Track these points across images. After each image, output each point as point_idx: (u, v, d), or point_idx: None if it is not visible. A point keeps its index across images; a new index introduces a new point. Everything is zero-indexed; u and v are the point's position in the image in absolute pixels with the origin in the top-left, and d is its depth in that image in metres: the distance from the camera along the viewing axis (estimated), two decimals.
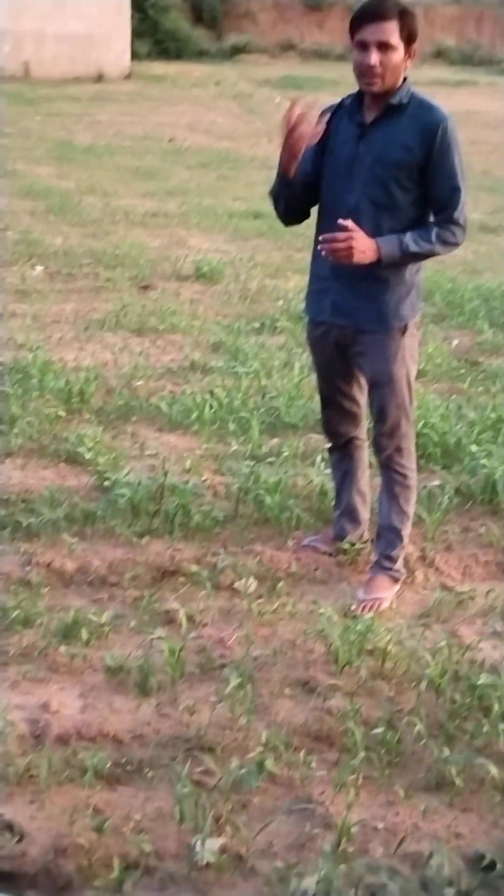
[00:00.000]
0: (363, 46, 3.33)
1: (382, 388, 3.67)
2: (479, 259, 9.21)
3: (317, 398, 4.06)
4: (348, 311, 3.62)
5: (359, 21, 3.35)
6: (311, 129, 3.35)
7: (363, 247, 3.34)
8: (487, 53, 34.93)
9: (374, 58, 3.32)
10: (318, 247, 3.45)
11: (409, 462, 3.81)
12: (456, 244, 3.50)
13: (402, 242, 3.39)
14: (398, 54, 3.34)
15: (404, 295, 3.58)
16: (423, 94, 3.50)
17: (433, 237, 3.43)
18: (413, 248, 3.41)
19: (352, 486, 4.05)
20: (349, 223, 3.31)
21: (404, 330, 3.61)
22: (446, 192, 3.43)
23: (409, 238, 3.40)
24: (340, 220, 3.32)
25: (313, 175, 3.56)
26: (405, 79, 3.45)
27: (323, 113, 3.56)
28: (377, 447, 3.82)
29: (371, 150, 3.42)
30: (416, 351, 3.75)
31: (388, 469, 3.81)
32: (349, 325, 3.64)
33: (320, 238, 3.42)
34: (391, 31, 3.30)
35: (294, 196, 3.62)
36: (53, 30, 25.03)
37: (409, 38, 3.36)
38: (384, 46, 3.31)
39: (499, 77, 30.16)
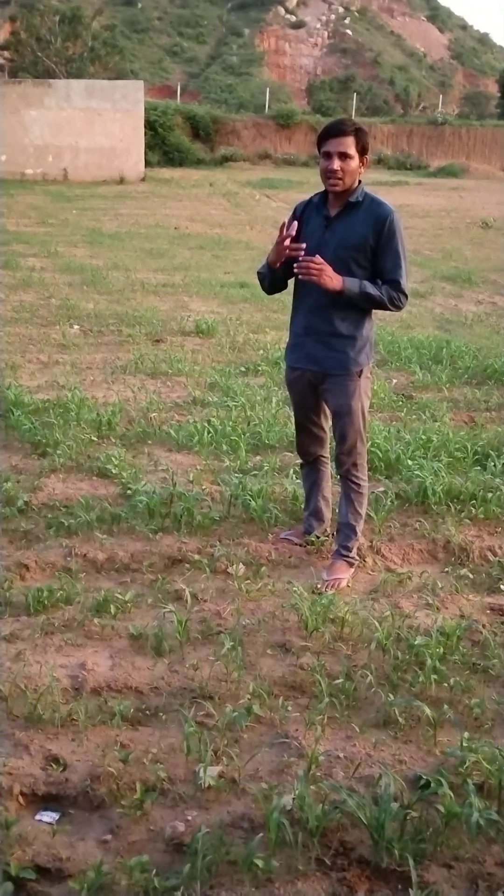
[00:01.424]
0: (328, 156, 3.39)
1: (343, 417, 3.68)
2: (413, 318, 9.24)
3: (290, 425, 4.06)
4: (318, 360, 3.64)
5: (324, 136, 3.41)
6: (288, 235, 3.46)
7: (331, 274, 3.38)
8: (416, 160, 35.12)
9: (336, 164, 3.37)
10: (295, 267, 3.43)
11: (363, 474, 3.82)
12: (398, 306, 3.51)
13: (361, 283, 3.42)
14: (354, 161, 3.40)
15: (361, 348, 3.60)
16: (374, 192, 3.54)
17: (383, 290, 3.46)
18: (369, 289, 3.43)
19: (318, 493, 4.05)
20: (318, 258, 3.35)
21: (360, 373, 3.62)
22: (392, 266, 3.46)
23: (366, 283, 3.44)
24: (316, 258, 3.36)
25: (290, 258, 3.59)
26: (360, 182, 3.49)
27: (295, 209, 3.65)
28: (338, 463, 3.82)
29: (335, 237, 3.46)
30: (369, 390, 3.77)
31: (346, 480, 3.81)
32: (319, 370, 3.66)
33: (296, 263, 3.40)
34: (349, 144, 3.36)
35: (276, 277, 3.68)
36: (85, 144, 25.11)
37: (362, 149, 3.42)
38: (343, 156, 3.37)
39: (425, 178, 30.36)
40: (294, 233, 3.47)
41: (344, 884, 2.19)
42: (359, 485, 3.80)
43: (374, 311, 3.62)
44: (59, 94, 24.79)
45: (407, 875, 2.17)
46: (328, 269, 3.38)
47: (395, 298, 3.48)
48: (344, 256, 3.46)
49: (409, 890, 2.12)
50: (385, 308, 3.51)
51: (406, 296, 3.51)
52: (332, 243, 3.46)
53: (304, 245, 3.45)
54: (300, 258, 3.38)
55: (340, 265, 3.43)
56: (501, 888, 2.19)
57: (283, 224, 3.48)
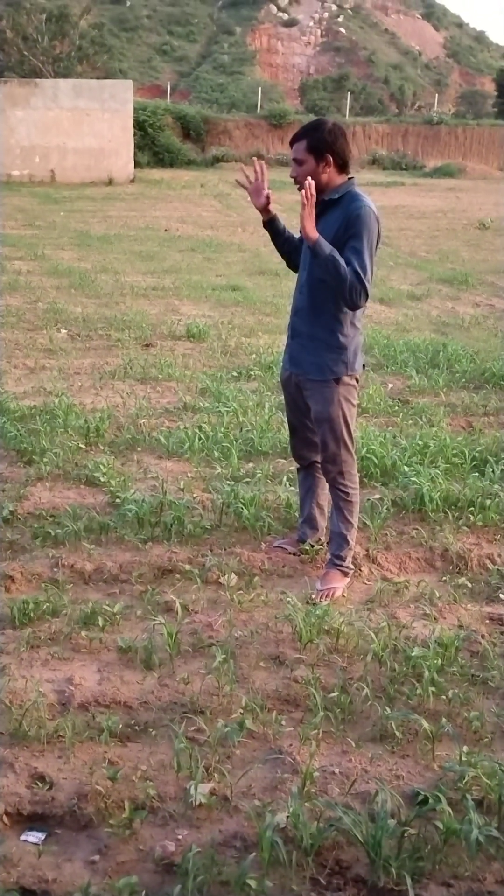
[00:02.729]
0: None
1: (322, 424, 3.67)
2: (409, 320, 9.26)
3: (284, 430, 4.05)
4: (299, 362, 3.68)
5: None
6: (259, 184, 3.68)
7: (311, 223, 3.35)
8: (412, 160, 35.26)
9: (293, 171, 3.51)
10: (297, 186, 3.47)
11: (351, 482, 3.79)
12: (353, 296, 3.38)
13: (332, 249, 3.36)
14: (308, 165, 3.46)
15: (338, 355, 3.58)
16: (360, 191, 3.51)
17: (349, 271, 3.35)
18: (336, 257, 3.35)
19: (312, 499, 4.04)
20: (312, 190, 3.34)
21: (339, 381, 3.60)
22: (351, 254, 3.38)
23: (337, 253, 3.37)
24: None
25: (298, 248, 3.70)
26: (351, 179, 3.49)
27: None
28: (324, 471, 3.81)
29: (319, 232, 3.44)
30: (353, 398, 3.69)
31: (334, 488, 3.80)
32: (300, 373, 3.68)
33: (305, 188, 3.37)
34: (300, 149, 3.48)
35: (279, 242, 3.80)
36: (73, 145, 25.13)
37: (316, 150, 3.42)
38: (297, 161, 3.49)
39: (421, 179, 30.48)
40: (258, 177, 3.65)
41: None
42: (347, 493, 3.78)
43: (355, 319, 3.56)
44: (46, 93, 24.81)
45: (405, 894, 2.16)
46: (312, 213, 3.35)
47: (354, 287, 3.35)
48: None
49: None
50: (343, 292, 3.38)
51: (366, 291, 3.38)
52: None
53: (263, 165, 3.67)
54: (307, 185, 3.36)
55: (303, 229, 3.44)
56: None
57: (261, 168, 3.65)
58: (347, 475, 3.77)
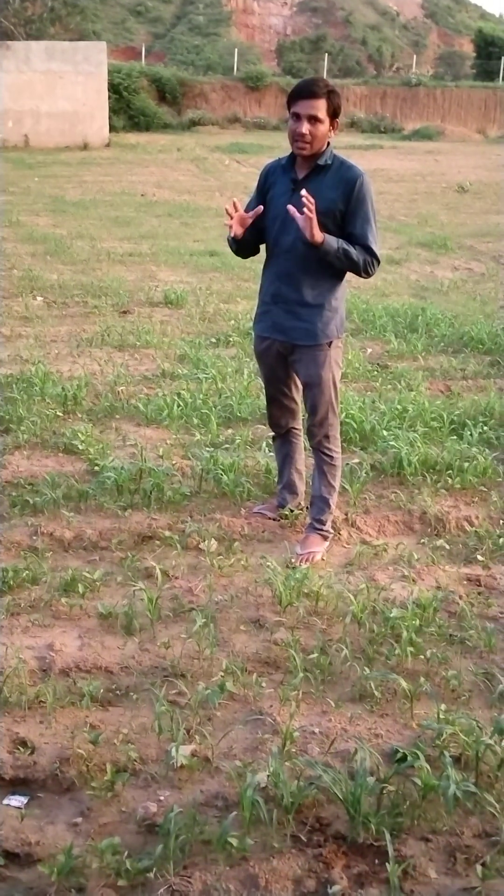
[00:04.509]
0: (297, 118, 3.33)
1: (313, 388, 3.66)
2: (387, 285, 9.23)
3: (262, 397, 4.04)
4: (286, 330, 3.62)
5: (295, 97, 3.34)
6: (242, 214, 3.51)
7: (317, 228, 3.31)
8: (390, 123, 34.89)
9: (305, 127, 3.31)
10: (289, 206, 3.38)
11: (335, 446, 3.81)
12: (370, 272, 3.48)
13: (338, 241, 3.38)
14: (324, 126, 3.34)
15: (329, 318, 3.58)
16: (345, 156, 3.50)
17: (358, 251, 3.42)
18: (345, 247, 3.39)
19: (291, 465, 4.04)
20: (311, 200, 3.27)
21: (330, 344, 3.60)
22: (362, 231, 3.43)
23: (343, 242, 3.40)
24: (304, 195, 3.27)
25: (256, 222, 3.55)
26: (329, 143, 3.45)
27: (264, 171, 3.66)
28: (310, 435, 3.82)
29: (302, 201, 3.39)
30: (340, 360, 3.74)
31: (319, 452, 3.81)
32: (287, 340, 3.63)
33: (302, 197, 3.30)
34: (320, 107, 3.30)
35: (244, 241, 3.63)
36: (47, 108, 24.67)
37: (333, 113, 3.36)
38: (313, 119, 3.31)
39: (399, 142, 30.22)
40: (250, 217, 3.51)
41: (320, 860, 2.21)
42: (331, 457, 3.79)
43: (345, 281, 3.60)
44: (18, 56, 24.29)
45: (384, 850, 2.19)
46: (315, 223, 3.32)
47: (368, 263, 3.45)
48: None
49: (386, 864, 2.14)
50: (359, 272, 3.48)
51: (378, 261, 3.49)
52: (299, 207, 3.42)
53: (261, 208, 3.48)
54: (301, 196, 3.28)
55: (305, 235, 3.39)
56: (479, 860, 2.22)
57: (234, 205, 3.52)
58: (332, 438, 3.78)
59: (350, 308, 7.58)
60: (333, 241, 3.37)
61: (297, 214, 3.31)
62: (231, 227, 3.51)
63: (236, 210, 3.52)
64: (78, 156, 22.93)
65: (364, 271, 3.47)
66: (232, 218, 3.51)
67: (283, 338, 3.65)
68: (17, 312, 7.61)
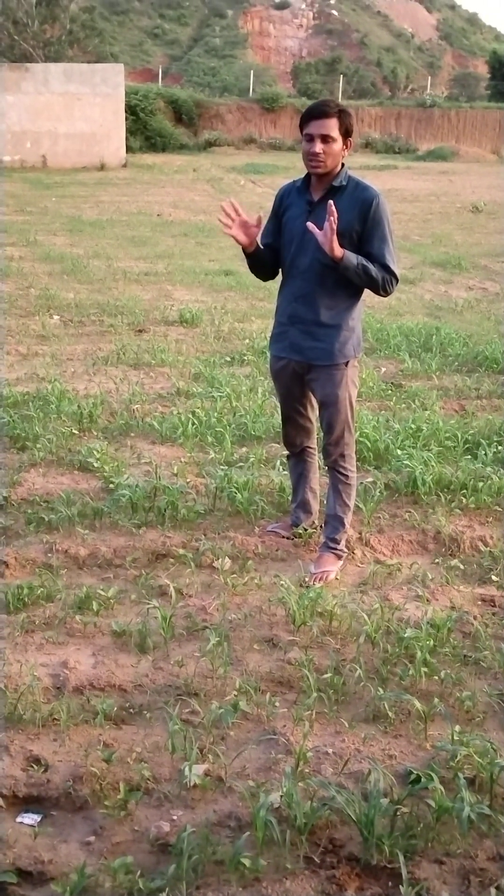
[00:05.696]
0: (310, 138, 3.37)
1: (329, 407, 3.67)
2: (402, 304, 9.24)
3: (277, 415, 4.05)
4: (303, 350, 3.63)
5: (306, 118, 3.38)
6: (243, 219, 3.50)
7: (337, 243, 3.33)
8: (405, 144, 35.08)
9: (318, 146, 3.35)
10: (309, 223, 3.40)
11: (351, 465, 3.82)
12: (388, 290, 3.49)
13: (357, 257, 3.40)
14: (337, 144, 3.37)
15: (346, 338, 3.59)
16: (359, 176, 3.53)
17: (377, 268, 3.43)
18: (365, 263, 3.40)
19: (305, 484, 4.04)
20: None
21: (347, 363, 3.61)
22: (380, 251, 3.45)
23: (363, 258, 3.41)
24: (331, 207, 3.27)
25: (273, 244, 3.61)
26: (343, 164, 3.47)
27: (279, 194, 3.68)
28: (325, 453, 3.82)
29: (318, 222, 3.40)
30: (356, 379, 3.76)
31: (334, 471, 3.81)
32: (304, 360, 3.65)
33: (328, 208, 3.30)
34: (332, 127, 3.34)
35: (262, 262, 3.67)
36: (65, 130, 24.96)
37: (346, 132, 3.39)
38: (326, 138, 3.34)
39: (414, 162, 30.35)
40: (233, 210, 3.52)
41: (333, 882, 2.19)
42: (346, 476, 3.79)
43: (361, 301, 3.61)
44: (36, 78, 24.61)
45: (397, 872, 2.18)
46: (336, 240, 3.33)
47: (387, 280, 3.46)
48: None
49: (400, 887, 2.13)
50: (377, 289, 3.48)
51: (397, 279, 3.50)
52: (318, 227, 3.44)
53: (260, 215, 3.52)
54: (326, 208, 3.29)
55: (324, 251, 3.41)
56: (494, 883, 2.20)
57: (233, 205, 3.53)
58: (348, 457, 3.79)
59: (364, 327, 7.55)
60: (353, 257, 3.39)
61: (316, 231, 3.34)
62: (229, 229, 3.51)
63: (237, 213, 3.53)
64: (95, 176, 23.15)
65: (382, 289, 3.47)
66: (232, 219, 3.52)
67: (300, 358, 3.66)
68: (34, 331, 7.67)
